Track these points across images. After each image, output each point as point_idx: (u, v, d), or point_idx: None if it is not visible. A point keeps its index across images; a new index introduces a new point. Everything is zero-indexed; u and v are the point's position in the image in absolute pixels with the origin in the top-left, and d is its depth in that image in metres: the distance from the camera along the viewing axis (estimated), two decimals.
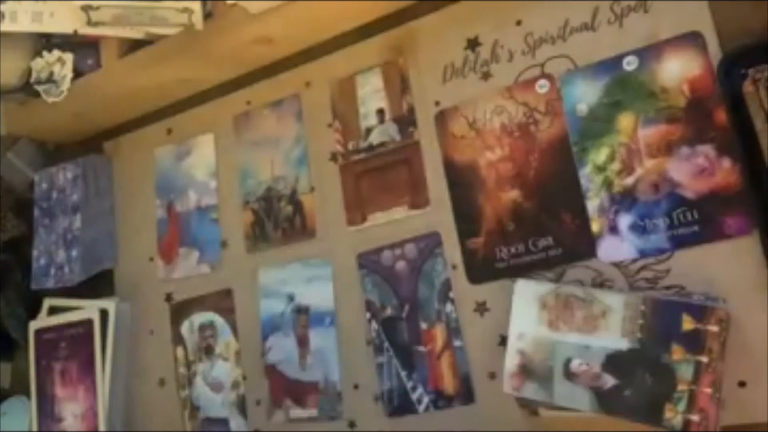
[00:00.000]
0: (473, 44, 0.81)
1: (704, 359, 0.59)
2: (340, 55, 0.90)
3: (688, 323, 0.60)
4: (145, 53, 0.91)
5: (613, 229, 0.71)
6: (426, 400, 0.79)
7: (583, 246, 0.72)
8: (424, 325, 0.80)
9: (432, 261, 0.81)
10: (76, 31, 0.87)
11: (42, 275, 1.04)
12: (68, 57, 0.93)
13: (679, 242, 0.67)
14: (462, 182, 0.80)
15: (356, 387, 0.84)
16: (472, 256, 0.78)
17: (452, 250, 0.80)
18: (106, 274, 1.05)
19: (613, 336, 0.64)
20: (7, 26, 0.86)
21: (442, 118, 0.82)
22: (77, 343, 0.99)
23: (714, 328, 0.59)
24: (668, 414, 0.60)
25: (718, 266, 0.66)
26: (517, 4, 0.79)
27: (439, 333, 0.79)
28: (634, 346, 0.62)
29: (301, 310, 0.89)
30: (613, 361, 0.63)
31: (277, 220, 0.92)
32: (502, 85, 0.79)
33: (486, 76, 0.80)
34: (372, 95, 0.87)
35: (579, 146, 0.73)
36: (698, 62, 0.68)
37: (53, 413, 1.00)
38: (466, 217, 0.79)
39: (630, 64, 0.71)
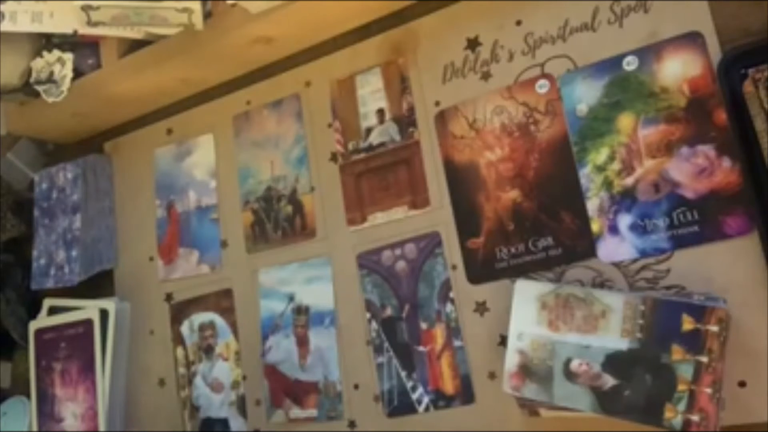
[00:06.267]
0: (473, 44, 0.81)
1: (704, 359, 0.59)
2: (340, 55, 0.90)
3: (688, 323, 0.60)
4: (145, 53, 0.91)
5: (613, 229, 0.71)
6: (426, 400, 0.79)
7: (583, 246, 0.72)
8: (424, 325, 0.80)
9: (432, 261, 0.81)
10: (76, 31, 0.88)
11: (42, 275, 1.04)
12: (68, 57, 0.93)
13: (679, 242, 0.67)
14: (462, 182, 0.80)
15: (356, 387, 0.84)
16: (472, 256, 0.78)
17: (452, 250, 0.80)
18: (106, 274, 1.05)
19: (613, 336, 0.64)
20: (7, 26, 0.86)
21: (442, 118, 0.82)
22: (77, 343, 0.99)
23: (714, 328, 0.59)
24: (668, 414, 0.60)
25: (718, 266, 0.66)
26: (517, 4, 0.79)
27: (439, 333, 0.79)
28: (634, 346, 0.62)
29: (301, 310, 0.89)
30: (613, 361, 0.63)
31: (277, 220, 0.92)
32: (502, 85, 0.79)
33: (486, 76, 0.80)
34: (372, 95, 0.87)
35: (579, 146, 0.73)
36: (698, 62, 0.68)
37: (53, 413, 1.00)
38: (466, 217, 0.79)
39: (630, 64, 0.71)
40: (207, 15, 0.85)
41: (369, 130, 0.87)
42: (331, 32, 0.91)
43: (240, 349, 0.93)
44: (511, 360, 0.68)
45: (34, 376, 1.03)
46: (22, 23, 0.86)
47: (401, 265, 0.83)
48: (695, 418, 0.59)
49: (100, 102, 1.01)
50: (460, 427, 0.77)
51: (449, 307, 0.79)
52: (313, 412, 0.86)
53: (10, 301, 1.10)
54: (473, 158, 0.79)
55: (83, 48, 0.95)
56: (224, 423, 0.93)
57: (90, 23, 0.85)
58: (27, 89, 0.96)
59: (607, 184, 0.71)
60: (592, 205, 0.72)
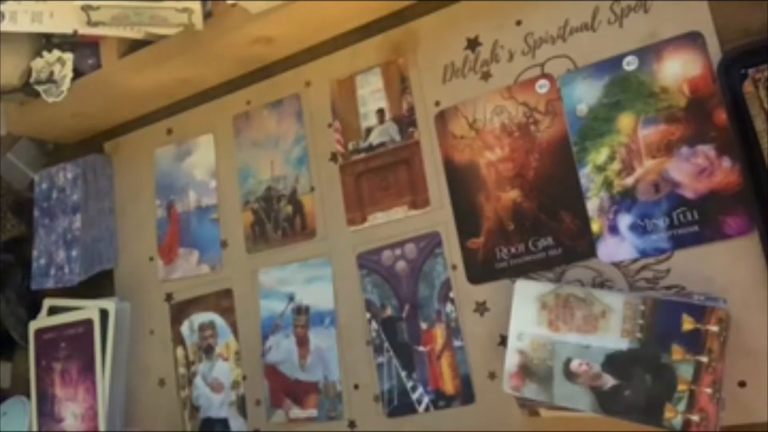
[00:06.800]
0: (473, 44, 0.81)
1: (704, 359, 0.59)
2: (340, 55, 0.90)
3: (688, 323, 0.60)
4: (145, 53, 0.91)
5: (613, 229, 0.71)
6: (426, 400, 0.79)
7: (583, 246, 0.72)
8: (424, 325, 0.80)
9: (432, 261, 0.81)
10: (76, 31, 0.88)
11: (42, 275, 1.04)
12: (68, 57, 0.93)
13: (679, 242, 0.67)
14: (462, 182, 0.80)
15: (356, 387, 0.84)
16: (472, 256, 0.78)
17: (452, 250, 0.80)
18: (106, 274, 1.05)
19: (613, 336, 0.64)
20: (7, 26, 0.86)
21: (442, 118, 0.82)
22: (77, 343, 0.99)
23: (714, 328, 0.59)
24: (668, 414, 0.60)
25: (718, 266, 0.66)
26: (517, 4, 0.79)
27: (439, 333, 0.79)
28: (634, 346, 0.62)
29: (301, 310, 0.89)
30: (613, 361, 0.63)
31: (277, 220, 0.92)
32: (502, 85, 0.79)
33: (486, 76, 0.80)
34: (372, 95, 0.87)
35: (579, 146, 0.73)
36: (698, 62, 0.68)
37: (53, 413, 1.00)
38: (466, 217, 0.79)
39: (630, 64, 0.71)
40: (207, 15, 0.85)
41: (369, 130, 0.87)
42: (331, 32, 0.91)
43: (240, 349, 0.93)
44: (511, 360, 0.68)
45: (34, 376, 1.03)
46: (22, 23, 0.86)
47: (401, 265, 0.83)
48: (695, 418, 0.59)
49: (100, 102, 1.01)
50: (460, 427, 0.77)
51: (449, 307, 0.79)
52: (313, 412, 0.86)
53: (10, 301, 1.10)
54: (473, 158, 0.79)
55: (83, 48, 0.95)
56: (224, 423, 0.93)
57: (90, 23, 0.85)
58: (27, 89, 0.96)
59: (607, 184, 0.71)
60: (592, 205, 0.72)
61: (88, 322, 0.98)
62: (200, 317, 0.97)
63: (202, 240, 0.98)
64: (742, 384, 0.63)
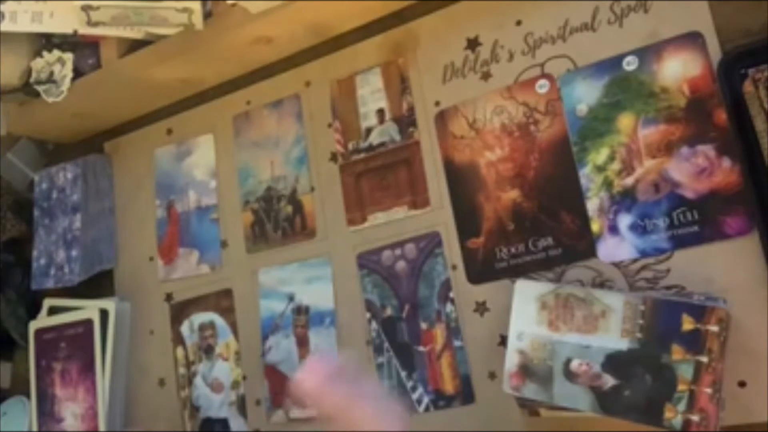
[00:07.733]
0: (473, 44, 0.81)
1: (704, 359, 0.59)
2: (340, 55, 0.90)
3: (688, 323, 0.60)
4: (145, 53, 0.91)
5: (613, 229, 0.71)
6: (426, 400, 0.79)
7: (583, 246, 0.72)
8: (424, 325, 0.80)
9: (432, 261, 0.81)
10: (76, 31, 0.88)
11: (42, 275, 1.04)
12: (68, 57, 0.93)
13: (679, 242, 0.67)
14: (462, 182, 0.80)
15: None
16: (472, 256, 0.78)
17: (452, 250, 0.80)
18: (106, 274, 1.05)
19: (613, 336, 0.64)
20: (7, 26, 0.86)
21: (442, 118, 0.82)
22: (77, 343, 0.99)
23: (714, 328, 0.59)
24: (668, 414, 0.60)
25: (718, 266, 0.66)
26: (517, 4, 0.79)
27: (439, 333, 0.79)
28: (634, 346, 0.62)
29: (301, 310, 0.89)
30: (613, 361, 0.63)
31: (277, 220, 0.92)
32: (502, 85, 0.79)
33: (486, 76, 0.80)
34: (372, 95, 0.87)
35: (579, 146, 0.73)
36: (698, 62, 0.68)
37: (53, 413, 1.00)
38: (466, 217, 0.79)
39: (630, 64, 0.71)
40: (207, 15, 0.85)
41: (369, 130, 0.87)
42: (331, 32, 0.91)
43: (240, 349, 0.93)
44: (511, 360, 0.68)
45: (34, 376, 1.03)
46: (22, 23, 0.87)
47: (401, 265, 0.83)
48: (695, 418, 0.59)
49: (100, 102, 1.01)
50: (460, 427, 0.77)
51: (449, 307, 0.79)
52: (313, 412, 0.86)
53: (10, 301, 1.10)
54: (473, 158, 0.79)
55: (83, 48, 0.95)
56: (224, 423, 0.93)
57: (90, 23, 0.85)
58: (27, 89, 0.96)
59: (607, 184, 0.71)
60: (592, 205, 0.72)
61: (88, 322, 0.98)
62: (200, 317, 0.97)
63: (202, 240, 0.98)
64: (742, 384, 0.63)
